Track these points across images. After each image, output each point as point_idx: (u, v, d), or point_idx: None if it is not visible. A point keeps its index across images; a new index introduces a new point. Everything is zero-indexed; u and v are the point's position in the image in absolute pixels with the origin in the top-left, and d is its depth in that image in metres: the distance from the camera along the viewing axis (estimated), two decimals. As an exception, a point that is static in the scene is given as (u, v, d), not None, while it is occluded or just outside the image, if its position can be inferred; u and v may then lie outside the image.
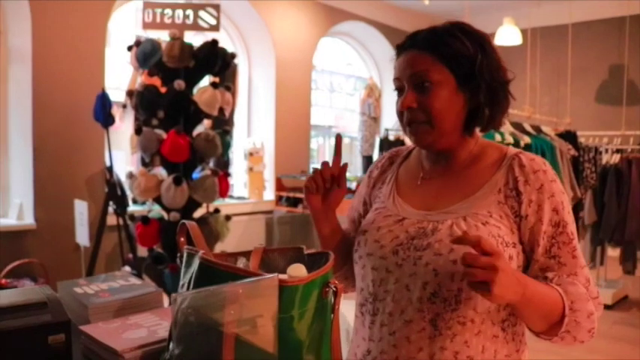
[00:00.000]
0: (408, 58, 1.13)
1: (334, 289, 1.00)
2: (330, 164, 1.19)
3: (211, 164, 4.57)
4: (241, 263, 1.15)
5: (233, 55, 4.27)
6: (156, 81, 4.26)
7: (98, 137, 4.73)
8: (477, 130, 1.19)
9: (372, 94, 7.29)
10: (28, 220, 4.65)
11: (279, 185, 6.31)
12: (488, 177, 1.13)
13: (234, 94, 5.84)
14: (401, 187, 1.26)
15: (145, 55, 3.99)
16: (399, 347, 1.09)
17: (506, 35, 5.81)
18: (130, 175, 4.20)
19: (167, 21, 4.16)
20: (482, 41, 1.12)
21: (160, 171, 4.26)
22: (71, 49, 4.71)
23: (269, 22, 6.23)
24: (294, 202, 6.07)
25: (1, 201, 4.82)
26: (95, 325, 1.25)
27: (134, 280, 1.49)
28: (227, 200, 5.96)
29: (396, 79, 1.17)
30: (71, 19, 4.70)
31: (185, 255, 1.06)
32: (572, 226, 1.10)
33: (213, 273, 0.95)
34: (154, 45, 3.97)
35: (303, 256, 1.15)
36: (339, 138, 1.21)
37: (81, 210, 4.21)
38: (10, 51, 4.72)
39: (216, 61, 4.12)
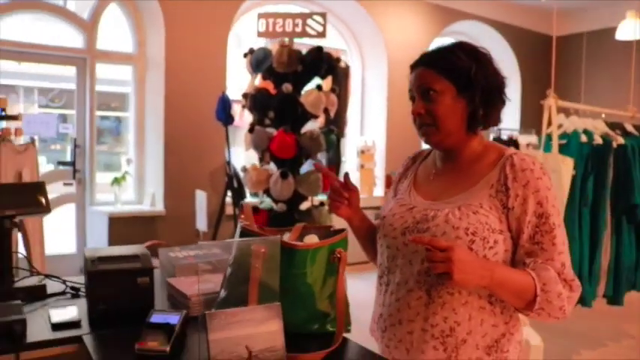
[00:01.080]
0: (417, 73, 1.42)
1: (339, 256, 1.34)
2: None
3: (323, 161, 4.99)
4: (286, 237, 1.50)
5: (338, 59, 4.67)
6: (269, 84, 4.75)
7: (220, 135, 5.32)
8: (481, 131, 1.44)
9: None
10: (159, 207, 5.38)
11: (389, 182, 6.60)
12: (486, 174, 1.38)
13: (345, 95, 6.25)
14: (417, 181, 1.54)
15: (258, 61, 4.50)
16: (402, 311, 1.38)
17: (628, 29, 5.64)
18: (244, 169, 4.74)
19: (279, 29, 4.64)
20: (476, 54, 1.37)
21: (271, 166, 4.74)
22: (197, 57, 5.37)
23: (381, 25, 6.55)
24: (401, 200, 6.33)
25: (138, 190, 5.61)
26: (178, 278, 1.68)
27: (216, 250, 1.92)
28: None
29: (410, 91, 1.46)
30: (198, 31, 5.36)
31: (239, 228, 1.44)
32: (554, 218, 1.31)
33: (248, 235, 1.33)
34: (266, 52, 4.47)
35: (330, 232, 1.49)
36: (346, 176, 1.56)
37: (200, 199, 4.82)
38: (148, 60, 5.48)
39: (322, 66, 4.53)
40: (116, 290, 1.41)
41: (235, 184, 5.16)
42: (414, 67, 1.44)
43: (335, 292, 1.36)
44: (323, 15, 4.68)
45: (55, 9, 5.11)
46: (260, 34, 4.73)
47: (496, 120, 1.42)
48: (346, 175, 1.56)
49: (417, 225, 1.38)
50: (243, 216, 1.53)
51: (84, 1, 5.34)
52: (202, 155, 5.48)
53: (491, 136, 7.16)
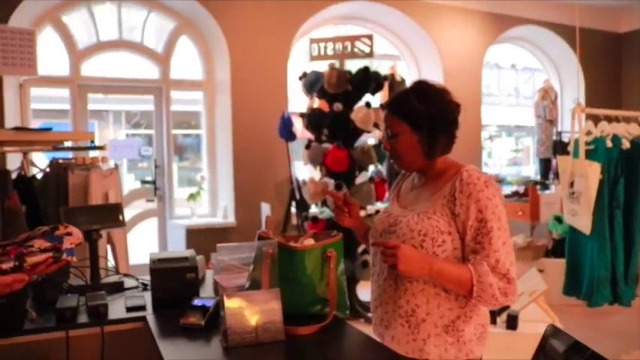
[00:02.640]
0: (384, 116, 1.85)
1: (329, 255, 1.80)
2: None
3: (373, 172, 5.42)
4: (304, 241, 1.98)
5: (385, 77, 5.11)
6: (324, 104, 5.25)
7: (284, 150, 5.86)
8: (441, 154, 1.86)
9: (548, 96, 7.49)
10: (230, 219, 6.00)
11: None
12: (442, 187, 1.80)
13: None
14: (400, 193, 1.98)
15: (310, 83, 5.02)
16: (381, 295, 1.82)
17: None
18: (303, 182, 5.27)
19: (329, 52, 5.14)
20: (426, 96, 1.78)
21: (328, 179, 5.24)
22: (260, 80, 5.96)
23: (435, 36, 6.90)
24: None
25: (212, 204, 6.27)
26: (221, 275, 2.20)
27: (250, 253, 2.42)
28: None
29: (384, 129, 1.91)
30: (259, 56, 5.95)
31: (257, 234, 1.93)
32: (492, 222, 1.67)
33: (262, 239, 1.83)
34: (317, 75, 4.98)
35: (329, 236, 1.95)
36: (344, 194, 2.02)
37: (265, 211, 5.38)
38: (216, 85, 6.14)
39: (370, 84, 4.98)
40: (170, 283, 1.94)
41: (298, 196, 5.69)
42: (384, 108, 1.88)
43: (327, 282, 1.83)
44: (370, 37, 5.14)
45: (134, 46, 5.87)
46: (313, 58, 5.26)
47: (443, 150, 1.80)
48: (345, 194, 2.01)
49: (389, 228, 1.81)
50: (265, 226, 2.03)
51: (158, 35, 6.07)
52: (268, 170, 6.05)
53: (553, 138, 7.35)
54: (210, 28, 5.93)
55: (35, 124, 5.69)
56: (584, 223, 3.68)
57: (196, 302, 1.83)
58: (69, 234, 1.49)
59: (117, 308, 1.96)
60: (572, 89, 8.01)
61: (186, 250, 2.13)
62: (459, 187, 1.70)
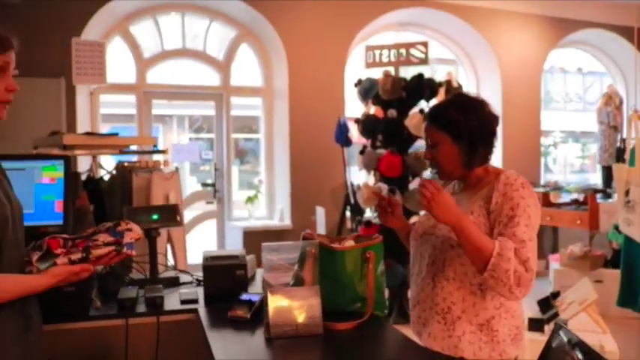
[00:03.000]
0: (425, 127, 1.95)
1: (368, 256, 1.91)
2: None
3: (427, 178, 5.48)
4: (345, 243, 2.10)
5: (440, 84, 5.16)
6: (380, 110, 5.35)
7: (339, 156, 5.98)
8: (480, 164, 1.93)
9: (612, 101, 7.31)
10: (287, 221, 6.17)
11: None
12: (481, 190, 1.88)
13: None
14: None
15: (365, 90, 5.13)
16: (419, 294, 1.92)
17: None
18: (358, 187, 5.38)
19: (384, 59, 5.25)
20: (466, 108, 1.87)
21: (381, 184, 5.33)
22: (317, 86, 6.11)
23: (493, 42, 6.88)
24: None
25: (269, 206, 6.47)
26: (270, 273, 2.34)
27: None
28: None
29: (425, 139, 2.00)
30: (317, 64, 6.11)
31: (302, 235, 2.07)
32: (520, 219, 1.71)
33: (306, 239, 1.96)
34: (372, 82, 5.09)
35: (369, 239, 2.06)
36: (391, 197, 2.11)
37: (320, 215, 5.52)
38: (275, 91, 6.34)
39: (424, 91, 5.05)
40: (221, 279, 2.09)
41: (352, 201, 5.81)
42: (425, 120, 1.97)
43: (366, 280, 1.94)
44: (424, 44, 5.21)
45: (197, 54, 6.14)
46: (368, 65, 5.37)
47: (482, 160, 1.88)
48: (389, 196, 2.11)
49: (430, 229, 1.92)
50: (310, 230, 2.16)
51: (219, 43, 6.33)
52: (323, 174, 6.19)
53: (617, 145, 7.17)
54: (269, 37, 6.14)
55: (104, 128, 6.05)
56: (639, 233, 3.64)
57: (244, 297, 1.97)
58: (129, 230, 1.66)
59: (172, 301, 2.13)
60: (637, 94, 7.78)
61: (237, 249, 2.28)
62: (496, 187, 1.79)
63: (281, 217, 6.28)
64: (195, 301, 2.10)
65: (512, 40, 7.01)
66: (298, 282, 1.95)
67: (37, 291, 1.43)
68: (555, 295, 3.92)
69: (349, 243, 1.96)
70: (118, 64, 5.74)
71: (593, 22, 7.37)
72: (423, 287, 1.90)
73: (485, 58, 7.11)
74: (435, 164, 1.90)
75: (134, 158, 4.46)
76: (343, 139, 5.64)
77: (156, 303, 2.02)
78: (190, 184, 10.46)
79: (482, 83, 7.29)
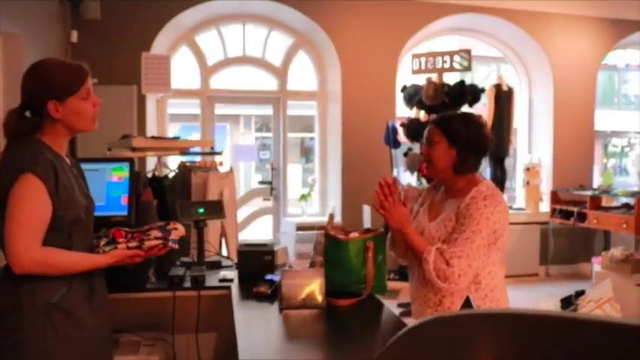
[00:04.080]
0: (428, 128, 2.34)
1: (368, 246, 2.34)
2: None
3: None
4: (350, 234, 2.54)
5: (482, 90, 5.48)
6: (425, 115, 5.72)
7: (388, 157, 6.37)
8: (466, 172, 2.32)
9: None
10: (337, 219, 6.61)
11: (555, 198, 7.07)
12: (458, 200, 2.26)
13: (509, 116, 6.93)
14: (432, 203, 2.46)
15: (410, 96, 5.52)
16: (415, 291, 2.30)
17: None
18: (402, 187, 5.76)
19: (429, 66, 5.61)
20: (468, 123, 2.24)
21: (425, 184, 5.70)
22: (369, 90, 6.53)
23: (546, 47, 7.07)
24: (566, 215, 6.77)
25: (322, 204, 6.94)
26: (297, 259, 2.81)
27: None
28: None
29: (425, 138, 2.40)
30: (368, 69, 6.53)
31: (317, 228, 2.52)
32: (466, 227, 2.06)
33: (317, 231, 2.41)
34: (416, 88, 5.47)
35: (370, 231, 2.49)
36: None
37: (366, 213, 5.95)
38: (328, 94, 6.82)
39: (466, 96, 5.38)
40: (252, 262, 2.58)
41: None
42: (430, 124, 2.37)
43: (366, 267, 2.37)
44: (468, 51, 5.53)
45: (256, 61, 6.70)
46: (414, 72, 5.74)
47: (471, 169, 2.25)
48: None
49: (420, 232, 2.32)
50: (329, 226, 2.60)
51: (277, 50, 6.86)
52: (373, 174, 6.54)
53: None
54: (323, 44, 6.61)
55: (174, 127, 6.71)
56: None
57: (268, 277, 2.45)
58: (176, 229, 2.14)
59: (212, 279, 2.64)
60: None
61: (269, 239, 2.77)
62: (466, 200, 2.16)
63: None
64: (231, 280, 2.60)
65: (565, 46, 7.17)
66: (312, 265, 2.41)
67: (99, 266, 1.91)
68: (579, 294, 4.19)
69: (353, 235, 2.40)
70: (185, 71, 6.38)
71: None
72: (417, 286, 2.29)
73: (537, 61, 7.30)
74: (428, 160, 2.27)
75: (197, 158, 5.04)
76: (391, 141, 6.05)
77: (198, 280, 2.53)
78: (254, 182, 11.11)
79: (535, 87, 7.48)
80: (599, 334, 0.58)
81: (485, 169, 7.44)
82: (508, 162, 7.38)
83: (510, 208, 7.37)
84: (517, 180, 7.65)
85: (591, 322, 0.58)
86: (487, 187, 2.19)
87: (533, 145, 7.52)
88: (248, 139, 12.67)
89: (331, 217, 2.62)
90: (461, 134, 2.19)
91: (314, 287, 2.20)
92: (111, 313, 2.05)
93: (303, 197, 6.77)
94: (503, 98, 6.92)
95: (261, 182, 6.96)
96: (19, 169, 1.72)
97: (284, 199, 6.82)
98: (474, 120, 2.25)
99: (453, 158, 2.20)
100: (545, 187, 7.24)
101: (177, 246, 2.10)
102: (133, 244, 2.00)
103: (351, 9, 6.46)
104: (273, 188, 6.75)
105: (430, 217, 2.32)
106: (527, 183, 7.21)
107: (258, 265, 2.58)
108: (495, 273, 2.18)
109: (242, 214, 6.21)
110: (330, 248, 2.36)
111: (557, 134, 7.16)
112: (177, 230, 2.12)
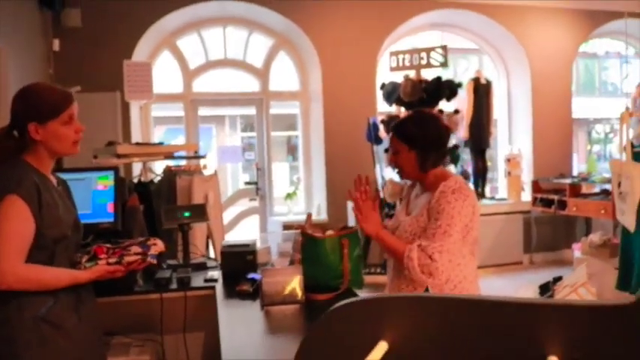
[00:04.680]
0: (389, 137, 2.49)
1: (343, 242, 2.48)
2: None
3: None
4: (327, 232, 2.67)
5: (459, 85, 5.63)
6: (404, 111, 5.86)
7: (370, 153, 6.51)
8: (431, 168, 2.46)
9: (646, 91, 7.53)
10: (323, 215, 6.77)
11: (536, 187, 7.25)
12: (429, 195, 2.40)
13: (488, 109, 7.10)
14: (410, 201, 2.60)
15: (388, 93, 5.67)
16: (390, 285, 2.46)
17: None
18: (384, 183, 5.91)
19: (407, 63, 5.75)
20: (421, 122, 2.39)
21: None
22: (349, 88, 6.67)
23: (522, 39, 7.24)
24: (547, 203, 6.95)
25: (307, 202, 7.08)
26: (278, 258, 2.94)
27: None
28: (485, 201, 7.23)
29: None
30: (348, 68, 6.66)
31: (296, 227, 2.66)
32: (441, 222, 2.18)
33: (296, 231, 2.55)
34: (394, 85, 5.61)
35: (346, 229, 2.62)
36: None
37: (351, 210, 6.08)
38: (310, 94, 6.95)
39: (443, 92, 5.53)
40: (234, 261, 2.71)
41: (383, 195, 6.34)
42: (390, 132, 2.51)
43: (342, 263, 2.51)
44: (444, 47, 5.68)
45: (238, 63, 6.82)
46: (392, 69, 5.89)
47: (433, 165, 2.39)
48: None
49: (394, 231, 2.45)
50: (307, 224, 2.74)
51: (258, 51, 6.98)
52: (356, 171, 6.61)
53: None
54: (303, 44, 6.73)
55: (159, 130, 6.82)
56: (629, 221, 4.03)
57: (250, 276, 2.59)
58: (155, 244, 2.25)
59: (198, 280, 2.76)
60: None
61: (250, 240, 2.90)
62: (435, 194, 2.30)
63: (318, 211, 6.88)
64: (215, 281, 2.73)
65: (541, 36, 7.34)
66: (291, 262, 2.55)
67: (81, 282, 1.97)
68: (557, 280, 4.35)
69: (329, 233, 2.54)
70: (167, 75, 6.48)
71: (622, 13, 7.57)
72: (392, 279, 2.44)
73: (514, 53, 7.47)
74: (397, 167, 2.43)
75: (183, 162, 5.15)
76: (373, 137, 6.19)
77: (184, 282, 2.66)
78: (242, 182, 11.23)
79: (513, 79, 7.65)
80: (491, 312, 0.72)
81: (467, 161, 7.63)
82: (489, 153, 7.56)
83: (493, 198, 7.56)
84: (499, 171, 7.82)
85: (485, 302, 0.72)
86: (455, 182, 2.32)
87: (513, 136, 7.69)
88: (234, 140, 12.77)
89: (309, 216, 2.75)
90: (416, 136, 2.32)
91: (294, 284, 2.34)
92: (101, 319, 2.14)
93: (289, 196, 6.91)
94: (482, 91, 7.08)
95: (247, 183, 7.08)
96: (3, 189, 1.80)
97: (270, 198, 6.94)
98: (426, 118, 2.39)
99: (415, 159, 2.33)
100: (527, 176, 7.42)
101: (155, 261, 2.20)
102: (113, 259, 2.09)
103: (329, 9, 6.59)
104: (258, 188, 6.88)
105: (406, 213, 2.46)
106: (509, 174, 7.38)
107: (240, 265, 2.72)
108: (465, 265, 2.30)
109: (229, 214, 6.33)
110: (308, 246, 2.50)
111: (536, 124, 7.34)
112: (157, 246, 2.22)
